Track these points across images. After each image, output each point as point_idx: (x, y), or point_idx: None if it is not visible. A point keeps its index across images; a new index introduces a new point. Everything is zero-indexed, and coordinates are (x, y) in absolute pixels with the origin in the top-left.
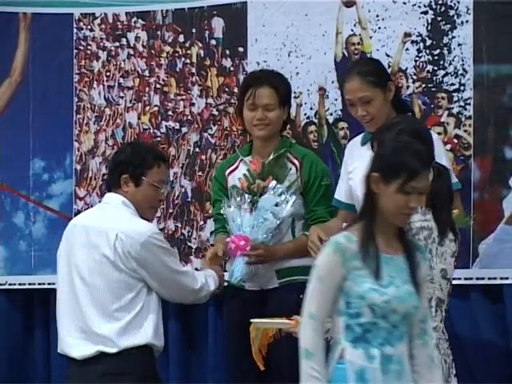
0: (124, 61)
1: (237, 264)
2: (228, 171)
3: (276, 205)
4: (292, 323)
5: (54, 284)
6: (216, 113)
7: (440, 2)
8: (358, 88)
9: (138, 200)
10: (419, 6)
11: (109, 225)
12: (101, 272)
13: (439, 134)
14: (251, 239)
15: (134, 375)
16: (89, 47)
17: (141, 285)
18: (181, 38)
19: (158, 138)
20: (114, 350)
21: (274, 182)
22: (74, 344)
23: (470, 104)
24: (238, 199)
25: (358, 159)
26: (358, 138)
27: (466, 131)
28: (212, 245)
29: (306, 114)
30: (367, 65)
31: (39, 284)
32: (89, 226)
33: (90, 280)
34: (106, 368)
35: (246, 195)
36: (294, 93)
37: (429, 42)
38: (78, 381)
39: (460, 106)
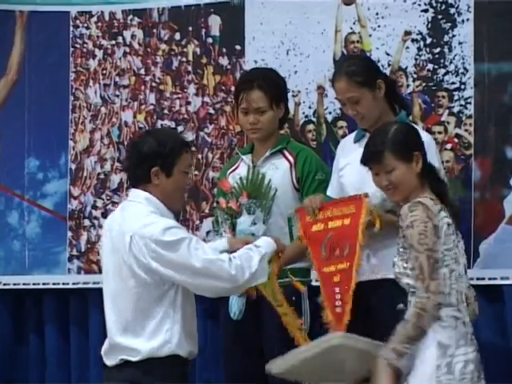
0: (120, 59)
1: (231, 300)
2: (229, 172)
3: (254, 223)
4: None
5: (48, 284)
6: (212, 111)
7: (440, 0)
8: (345, 89)
9: (168, 191)
10: (419, 4)
11: (126, 227)
12: (122, 278)
13: (439, 133)
14: None
15: None
16: (85, 45)
17: (162, 290)
18: (177, 36)
19: None
20: (135, 359)
21: (245, 200)
22: (104, 351)
23: (470, 103)
24: (222, 226)
25: (349, 156)
26: (352, 135)
27: (466, 130)
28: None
29: (304, 113)
30: (354, 64)
31: (33, 284)
32: (112, 228)
33: (115, 286)
34: (126, 376)
35: (227, 221)
36: (293, 91)
37: (429, 41)
38: None
39: (461, 105)
